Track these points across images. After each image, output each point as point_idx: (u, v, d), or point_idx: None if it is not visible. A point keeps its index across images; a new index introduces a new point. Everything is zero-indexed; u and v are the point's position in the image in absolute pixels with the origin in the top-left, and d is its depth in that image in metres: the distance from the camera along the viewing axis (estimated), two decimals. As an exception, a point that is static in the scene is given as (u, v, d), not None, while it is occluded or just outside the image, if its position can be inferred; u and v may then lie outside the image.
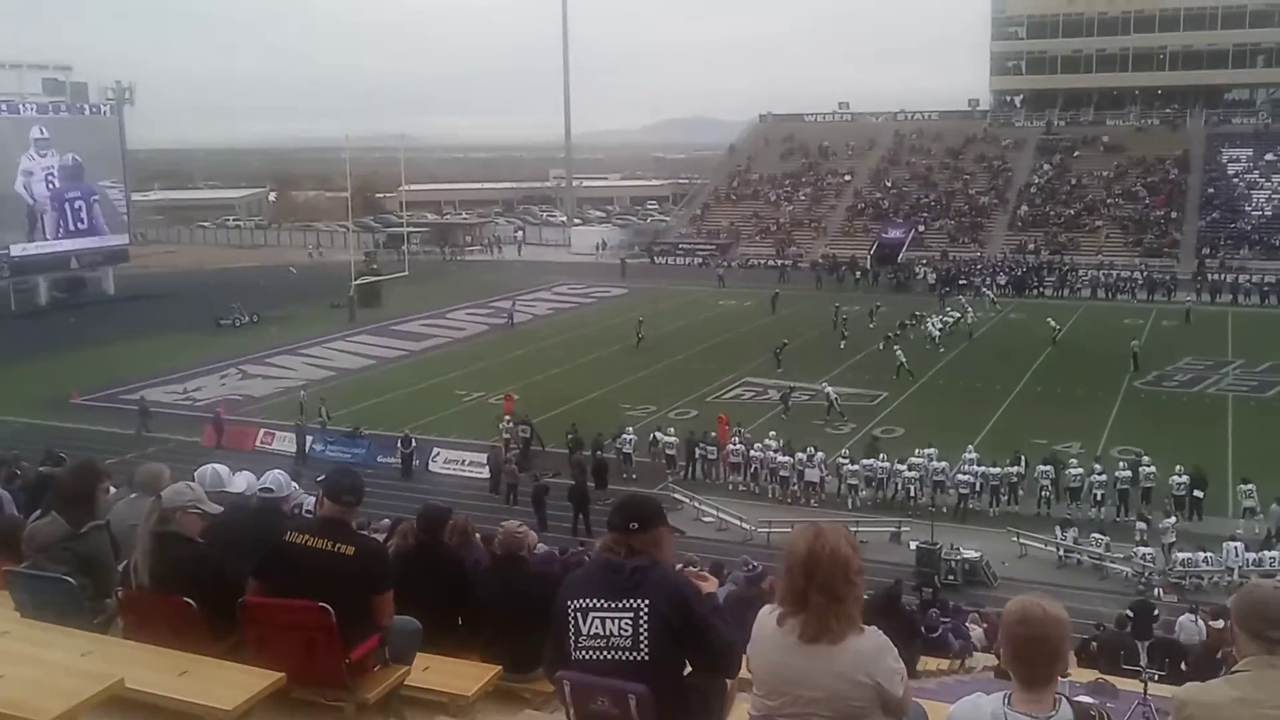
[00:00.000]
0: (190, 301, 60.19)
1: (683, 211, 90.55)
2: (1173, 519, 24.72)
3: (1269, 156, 75.32)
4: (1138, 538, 24.06)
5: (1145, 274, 62.24)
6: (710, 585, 4.61)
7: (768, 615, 3.75)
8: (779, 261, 71.41)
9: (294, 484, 7.13)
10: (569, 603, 4.11)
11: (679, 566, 8.79)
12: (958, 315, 51.08)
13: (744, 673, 4.11)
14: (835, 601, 3.58)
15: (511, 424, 32.84)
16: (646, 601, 4.00)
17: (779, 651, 3.65)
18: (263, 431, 35.16)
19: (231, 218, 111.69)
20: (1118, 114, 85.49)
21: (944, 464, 28.12)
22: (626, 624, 4.00)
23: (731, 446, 30.24)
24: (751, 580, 12.22)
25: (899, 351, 41.92)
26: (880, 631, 3.68)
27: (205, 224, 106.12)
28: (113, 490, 6.34)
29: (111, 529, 5.88)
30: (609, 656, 4.02)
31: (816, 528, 3.73)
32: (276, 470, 6.99)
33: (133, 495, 6.40)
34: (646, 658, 3.98)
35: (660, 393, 38.81)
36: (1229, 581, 22.33)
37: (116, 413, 37.05)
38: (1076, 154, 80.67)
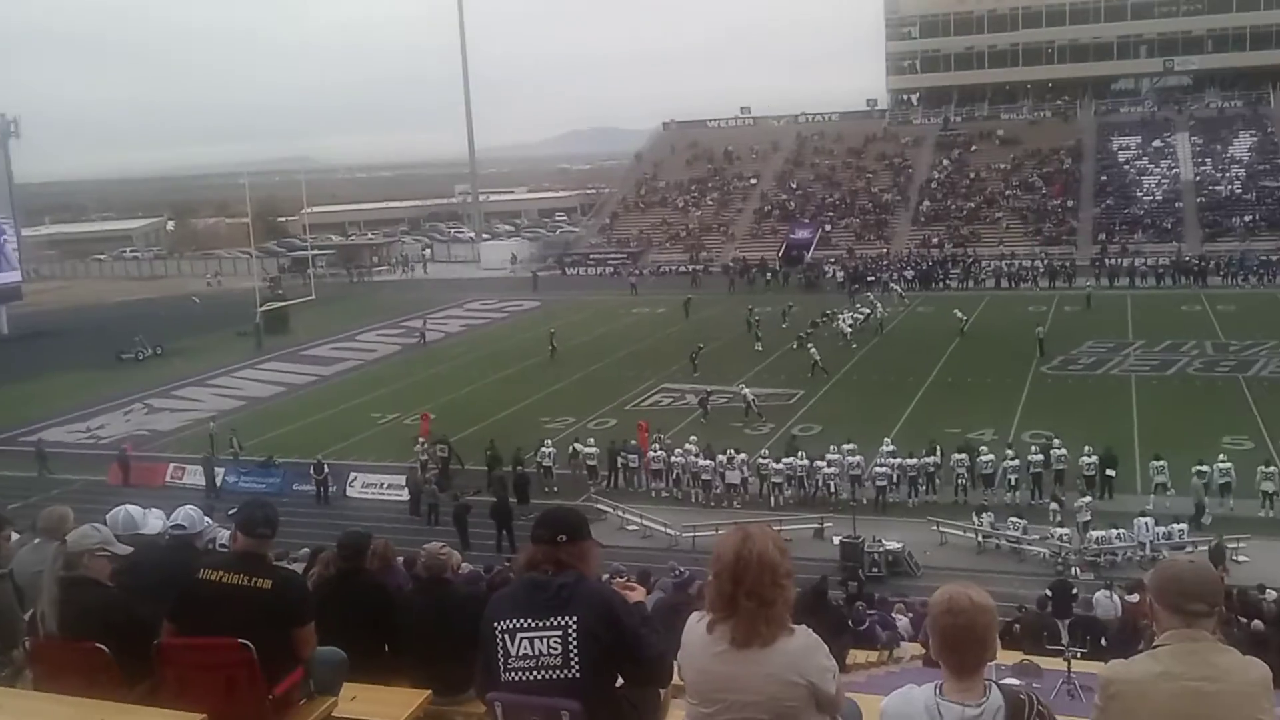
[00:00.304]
0: (89, 337, 58.62)
1: (592, 222, 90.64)
2: (1088, 498, 25.32)
3: (1156, 143, 77.84)
4: (1053, 519, 24.60)
5: (1046, 262, 63.83)
6: (638, 595, 4.58)
7: (697, 623, 3.72)
8: (691, 267, 71.81)
9: (207, 519, 6.94)
10: (495, 624, 4.04)
11: (605, 577, 8.74)
12: (868, 311, 51.78)
13: (676, 679, 4.08)
14: (764, 606, 3.55)
15: (428, 445, 32.50)
16: (575, 618, 3.94)
17: (710, 659, 3.62)
18: (172, 466, 34.32)
19: (129, 249, 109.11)
20: (1011, 108, 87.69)
21: (860, 458, 28.45)
22: (556, 642, 3.94)
23: (652, 453, 30.26)
24: (679, 586, 12.21)
25: (813, 350, 42.38)
26: (810, 630, 3.67)
27: (101, 257, 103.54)
28: (15, 537, 6.12)
29: (15, 577, 5.67)
30: (540, 676, 3.95)
31: (744, 531, 3.69)
32: (188, 506, 6.79)
33: (36, 540, 6.18)
34: (578, 675, 3.93)
35: (579, 403, 38.73)
36: (1142, 557, 22.91)
37: (17, 456, 35.86)
38: (974, 148, 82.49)
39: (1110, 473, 27.09)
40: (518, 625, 3.99)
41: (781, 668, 3.54)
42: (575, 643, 3.93)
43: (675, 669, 4.04)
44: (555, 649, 3.94)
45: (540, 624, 3.96)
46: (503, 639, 4.00)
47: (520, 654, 3.97)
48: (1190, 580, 3.57)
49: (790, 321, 50.55)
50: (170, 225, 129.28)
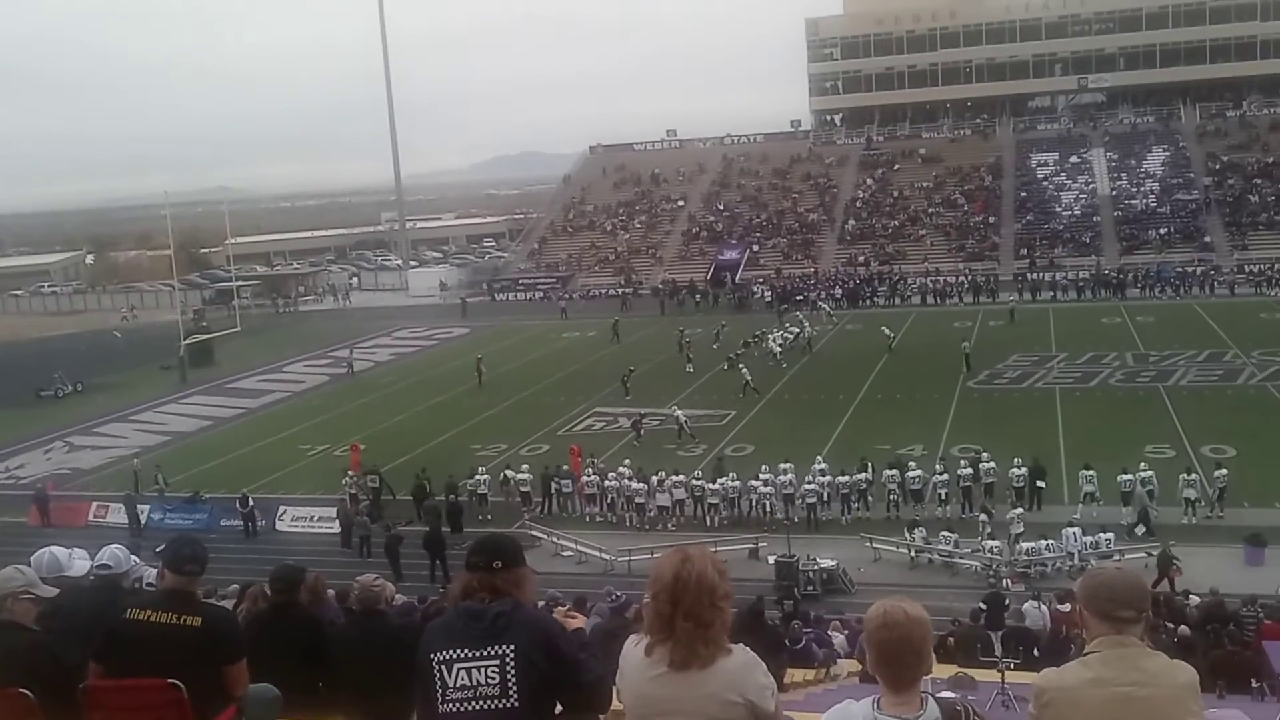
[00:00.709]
0: (6, 374, 57.01)
1: (520, 247, 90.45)
2: (1019, 510, 25.70)
3: (1073, 159, 79.70)
4: (984, 532, 24.91)
5: (970, 278, 64.88)
6: (578, 623, 4.55)
7: (634, 646, 3.71)
8: (621, 290, 71.95)
9: (133, 558, 6.78)
10: (432, 655, 3.98)
11: (542, 605, 8.69)
12: (797, 330, 52.21)
13: (616, 704, 4.06)
14: (701, 627, 3.54)
15: (359, 476, 32.12)
16: (512, 647, 3.90)
17: (648, 682, 3.61)
18: (95, 505, 33.49)
19: (47, 284, 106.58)
20: (932, 126, 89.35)
21: (791, 477, 28.58)
22: (494, 672, 3.89)
23: (586, 478, 30.19)
24: (616, 610, 12.20)
25: (744, 370, 42.60)
26: (747, 649, 3.68)
27: (18, 292, 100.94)
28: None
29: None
30: (478, 706, 3.90)
31: (683, 553, 3.69)
32: (114, 545, 6.62)
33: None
34: (516, 704, 3.89)
35: (510, 430, 38.54)
36: (1071, 566, 23.26)
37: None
38: (896, 167, 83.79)
39: (1040, 484, 27.53)
40: (454, 656, 3.93)
41: (720, 687, 3.54)
42: (513, 671, 3.88)
43: (614, 694, 4.02)
44: (493, 678, 3.89)
45: (477, 654, 3.91)
46: (439, 670, 3.94)
47: (458, 685, 3.91)
48: (1119, 587, 3.64)
49: (721, 342, 50.82)
50: (90, 259, 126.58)
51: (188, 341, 56.54)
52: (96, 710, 4.82)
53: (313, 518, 31.27)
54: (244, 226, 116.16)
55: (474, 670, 3.90)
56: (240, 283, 76.00)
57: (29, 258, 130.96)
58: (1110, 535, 24.18)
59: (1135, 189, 75.41)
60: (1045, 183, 78.50)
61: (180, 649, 4.80)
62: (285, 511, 31.69)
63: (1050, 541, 24.14)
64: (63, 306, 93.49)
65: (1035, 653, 15.34)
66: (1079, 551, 23.54)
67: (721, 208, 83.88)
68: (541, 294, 76.18)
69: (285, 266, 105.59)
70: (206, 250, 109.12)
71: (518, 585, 4.11)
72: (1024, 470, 27.46)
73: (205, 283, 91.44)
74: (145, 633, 4.88)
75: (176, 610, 4.93)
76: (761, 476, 28.68)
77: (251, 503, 31.30)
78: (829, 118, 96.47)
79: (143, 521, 31.51)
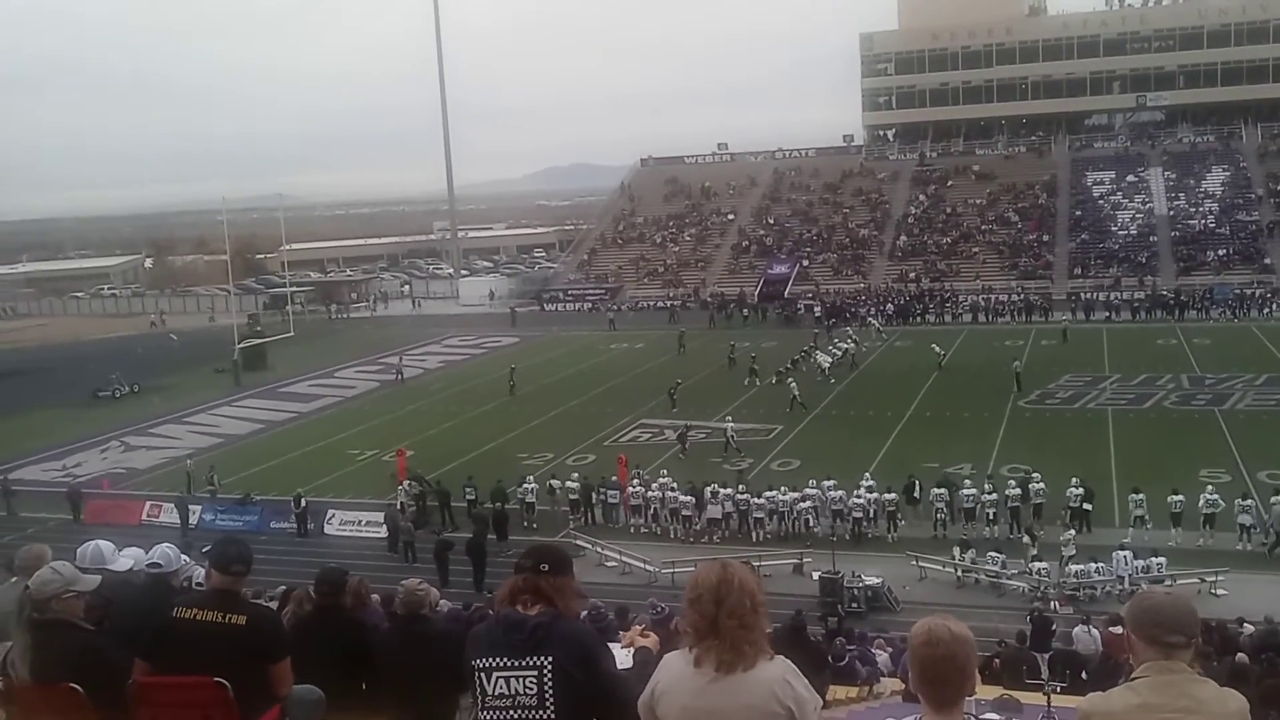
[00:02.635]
0: (66, 374, 58.19)
1: (570, 258, 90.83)
2: (1071, 532, 25.36)
3: (1130, 178, 78.72)
4: (1031, 553, 24.60)
5: (1022, 296, 64.24)
6: (648, 642, 4.59)
7: (677, 658, 3.71)
8: (670, 302, 71.96)
9: (184, 557, 6.88)
10: (473, 661, 4.03)
11: (584, 615, 8.70)
12: (846, 346, 51.95)
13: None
14: (745, 629, 3.56)
15: (408, 483, 32.35)
16: (550, 658, 3.93)
17: (690, 694, 3.60)
18: (149, 504, 34.01)
19: (106, 287, 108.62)
20: (986, 143, 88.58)
21: (840, 493, 28.43)
22: (531, 682, 3.92)
23: (632, 488, 30.19)
24: (659, 623, 12.16)
25: (793, 384, 42.44)
26: (789, 661, 3.68)
27: (79, 294, 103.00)
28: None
29: (-9, 617, 5.58)
30: (516, 715, 3.93)
31: (723, 561, 3.74)
32: (165, 544, 6.73)
33: (13, 580, 6.10)
34: (553, 715, 3.91)
35: (557, 439, 38.65)
36: (1120, 590, 22.92)
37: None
38: (950, 183, 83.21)
39: (1088, 506, 27.17)
40: (494, 664, 3.97)
41: (763, 697, 3.53)
42: (551, 683, 3.91)
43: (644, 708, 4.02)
44: (531, 689, 3.92)
45: (516, 663, 3.94)
46: (479, 677, 3.98)
47: (497, 693, 3.95)
48: (1167, 612, 3.58)
49: (760, 358, 50.53)
50: (148, 263, 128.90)
51: (242, 345, 57.30)
52: (144, 706, 4.90)
53: (360, 522, 31.54)
54: (299, 233, 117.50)
55: (512, 679, 3.93)
56: (294, 288, 76.86)
57: (89, 260, 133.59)
58: (1163, 559, 23.78)
59: (1194, 209, 74.34)
60: (1101, 201, 77.59)
61: (225, 647, 4.86)
62: (334, 515, 31.99)
63: (1100, 564, 23.81)
64: (122, 309, 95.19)
65: (1084, 676, 15.13)
66: (1129, 575, 23.20)
67: (771, 221, 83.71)
68: (590, 305, 76.46)
69: (338, 273, 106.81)
70: (262, 256, 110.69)
71: (560, 593, 4.14)
72: (1080, 491, 27.11)
73: (260, 288, 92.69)
74: (191, 630, 4.95)
75: (222, 609, 5.00)
76: (806, 491, 28.56)
77: (305, 503, 31.70)
78: (882, 133, 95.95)
79: (193, 522, 31.93)
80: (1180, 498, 26.19)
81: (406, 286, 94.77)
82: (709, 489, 28.94)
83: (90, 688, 4.92)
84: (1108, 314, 60.40)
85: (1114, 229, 74.22)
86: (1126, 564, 23.44)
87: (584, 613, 9.58)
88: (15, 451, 41.37)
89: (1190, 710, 3.42)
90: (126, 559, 6.55)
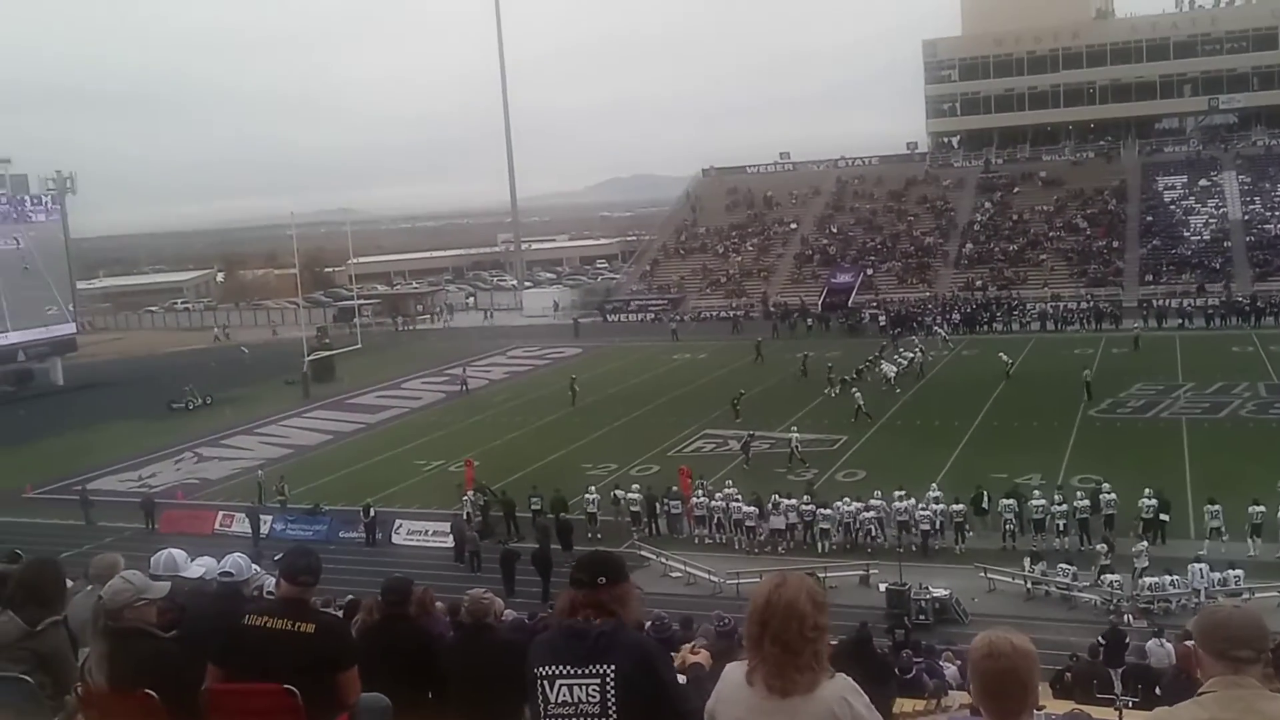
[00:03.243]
0: (141, 387, 59.54)
1: (632, 268, 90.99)
2: (1144, 543, 24.89)
3: (1203, 183, 77.12)
4: (1103, 564, 24.18)
5: (1092, 304, 63.21)
6: (700, 658, 4.58)
7: (736, 670, 3.70)
8: (732, 312, 71.84)
9: (255, 566, 7.02)
10: (536, 670, 4.06)
11: (647, 625, 8.72)
12: (911, 355, 51.48)
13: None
14: (789, 654, 3.49)
15: (473, 493, 32.61)
16: (613, 667, 3.95)
17: (746, 709, 3.58)
18: (221, 515, 34.65)
19: (180, 301, 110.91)
20: (1053, 149, 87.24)
21: (909, 504, 28.17)
22: (594, 691, 3.95)
23: (695, 499, 30.15)
24: (723, 634, 12.13)
25: (857, 394, 42.16)
26: (849, 679, 3.65)
27: (153, 309, 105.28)
28: (70, 584, 6.20)
29: (70, 624, 5.74)
30: (579, 724, 3.96)
31: (781, 576, 3.68)
32: (236, 554, 6.88)
33: (89, 588, 6.27)
34: (616, 723, 3.93)
35: (620, 450, 38.72)
36: (1196, 603, 22.40)
37: (70, 505, 36.35)
38: (1016, 190, 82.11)
39: (1164, 517, 26.63)
40: (557, 672, 4.00)
41: (820, 717, 3.50)
42: (613, 692, 3.93)
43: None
44: (593, 697, 3.94)
45: (579, 672, 3.97)
46: (542, 686, 4.02)
47: (559, 701, 3.98)
48: (1236, 625, 3.52)
49: (822, 367, 50.18)
50: (220, 277, 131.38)
51: (311, 358, 58.17)
52: (217, 713, 5.00)
53: (427, 532, 31.83)
54: (365, 246, 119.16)
55: (575, 688, 3.96)
56: (362, 301, 77.95)
57: (163, 275, 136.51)
58: (1240, 572, 23.22)
59: (1270, 213, 72.62)
60: (1173, 206, 76.09)
61: (294, 654, 4.95)
62: (401, 525, 32.34)
63: (1175, 577, 23.33)
64: (195, 323, 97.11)
65: (1157, 691, 14.83)
66: (1205, 588, 22.70)
67: (835, 230, 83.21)
68: (653, 315, 76.51)
69: (404, 286, 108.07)
70: (330, 269, 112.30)
71: (622, 602, 4.15)
72: (1154, 501, 26.59)
73: (329, 301, 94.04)
74: (261, 638, 5.05)
75: (291, 617, 5.10)
76: (871, 502, 28.35)
77: (374, 512, 32.11)
78: (946, 140, 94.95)
79: (264, 532, 32.46)
80: (1261, 508, 25.60)
81: (471, 299, 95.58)
82: (771, 500, 28.84)
83: (165, 694, 5.03)
84: (1180, 321, 59.14)
85: (1186, 234, 72.72)
86: (1202, 576, 22.95)
87: (648, 624, 9.61)
88: (94, 462, 42.39)
89: (1259, 725, 3.36)
90: (199, 567, 6.71)
